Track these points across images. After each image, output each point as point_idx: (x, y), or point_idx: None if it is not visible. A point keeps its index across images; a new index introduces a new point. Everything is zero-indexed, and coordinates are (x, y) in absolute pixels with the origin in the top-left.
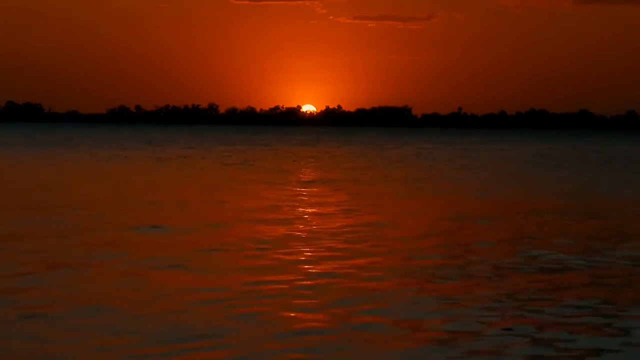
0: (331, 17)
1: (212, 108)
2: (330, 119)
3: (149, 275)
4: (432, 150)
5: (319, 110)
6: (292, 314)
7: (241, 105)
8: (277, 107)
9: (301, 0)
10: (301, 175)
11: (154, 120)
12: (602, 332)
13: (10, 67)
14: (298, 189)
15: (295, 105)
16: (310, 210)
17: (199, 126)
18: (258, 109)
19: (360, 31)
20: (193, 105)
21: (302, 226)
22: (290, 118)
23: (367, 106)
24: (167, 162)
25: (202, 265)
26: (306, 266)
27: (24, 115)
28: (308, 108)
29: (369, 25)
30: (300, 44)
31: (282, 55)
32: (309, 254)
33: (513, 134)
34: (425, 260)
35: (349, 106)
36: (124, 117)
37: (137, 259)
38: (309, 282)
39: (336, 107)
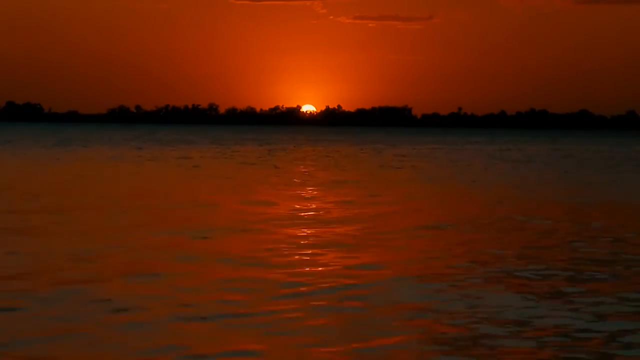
0: (331, 17)
1: (212, 108)
2: (330, 119)
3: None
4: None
5: (319, 110)
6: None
7: (241, 105)
8: (277, 107)
9: (301, 0)
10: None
11: (154, 120)
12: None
13: (10, 67)
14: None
15: (295, 105)
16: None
17: (200, 126)
18: (258, 109)
19: (360, 31)
20: (193, 105)
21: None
22: (290, 118)
23: (367, 106)
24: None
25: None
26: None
27: (24, 115)
28: (308, 108)
29: (369, 25)
30: (300, 44)
31: (283, 55)
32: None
33: (514, 133)
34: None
35: (349, 106)
36: (124, 117)
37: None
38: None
39: (336, 107)
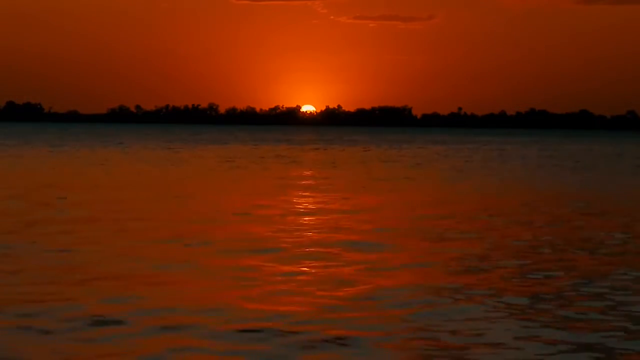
0: (332, 17)
1: (212, 108)
2: (330, 119)
3: None
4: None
5: (319, 110)
6: None
7: (241, 105)
8: (277, 107)
9: (302, 0)
10: None
11: (154, 120)
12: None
13: (10, 67)
14: None
15: (295, 105)
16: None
17: (200, 126)
18: (258, 109)
19: (360, 31)
20: (193, 105)
21: None
22: (290, 118)
23: (367, 106)
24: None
25: None
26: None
27: (24, 115)
28: (308, 108)
29: (370, 25)
30: (300, 43)
31: (282, 55)
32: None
33: (514, 133)
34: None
35: (349, 106)
36: (124, 117)
37: None
38: None
39: (336, 107)
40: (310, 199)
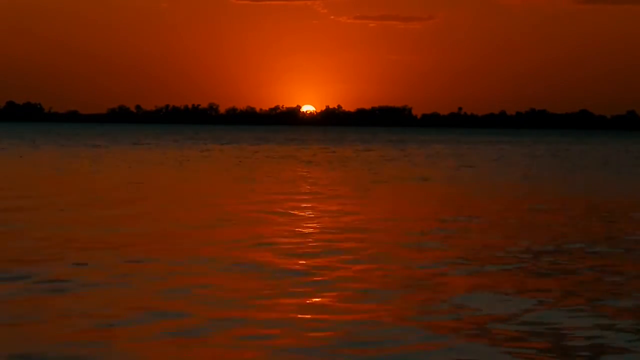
0: (332, 17)
1: (212, 108)
2: (330, 119)
3: None
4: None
5: (319, 110)
6: None
7: (241, 105)
8: (277, 107)
9: (302, 0)
10: None
11: (154, 120)
12: None
13: (10, 67)
14: None
15: (295, 105)
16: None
17: (200, 126)
18: (258, 109)
19: (360, 31)
20: (193, 105)
21: None
22: (290, 118)
23: (367, 106)
24: None
25: None
26: None
27: (24, 115)
28: (308, 108)
29: (370, 25)
30: (300, 44)
31: (283, 55)
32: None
33: (514, 133)
34: None
35: (349, 106)
36: (124, 117)
37: None
38: None
39: (336, 107)
40: None
